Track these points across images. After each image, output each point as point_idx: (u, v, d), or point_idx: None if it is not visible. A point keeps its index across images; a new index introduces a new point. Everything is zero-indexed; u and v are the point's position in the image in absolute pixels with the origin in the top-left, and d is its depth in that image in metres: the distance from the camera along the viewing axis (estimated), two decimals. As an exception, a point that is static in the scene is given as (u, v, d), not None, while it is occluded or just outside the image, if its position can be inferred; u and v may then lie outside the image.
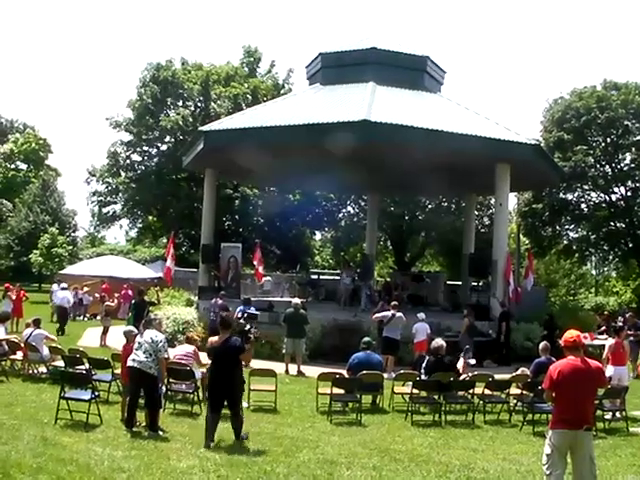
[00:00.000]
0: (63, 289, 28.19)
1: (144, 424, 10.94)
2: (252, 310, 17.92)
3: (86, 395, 11.32)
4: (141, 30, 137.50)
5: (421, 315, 18.63)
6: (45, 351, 15.28)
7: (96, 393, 11.53)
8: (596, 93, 45.00)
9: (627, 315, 23.09)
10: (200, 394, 12.91)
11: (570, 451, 7.45)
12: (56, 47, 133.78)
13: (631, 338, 21.18)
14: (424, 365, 13.95)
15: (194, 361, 13.59)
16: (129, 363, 10.84)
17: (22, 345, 15.48)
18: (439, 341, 14.27)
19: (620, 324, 23.10)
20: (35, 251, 47.32)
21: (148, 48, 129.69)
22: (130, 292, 28.22)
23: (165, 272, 27.23)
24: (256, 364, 16.62)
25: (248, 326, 16.38)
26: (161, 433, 10.64)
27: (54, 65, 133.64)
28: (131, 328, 12.75)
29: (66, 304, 26.77)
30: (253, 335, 16.87)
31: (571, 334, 7.68)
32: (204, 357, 16.90)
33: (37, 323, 15.66)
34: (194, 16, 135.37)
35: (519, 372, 14.53)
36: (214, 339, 10.57)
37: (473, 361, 16.95)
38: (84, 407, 10.97)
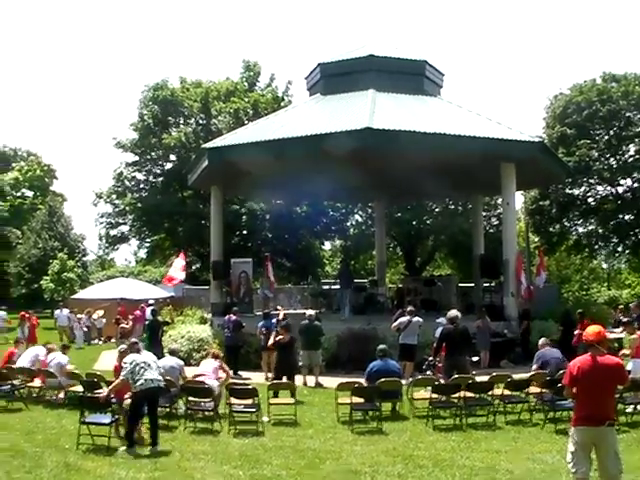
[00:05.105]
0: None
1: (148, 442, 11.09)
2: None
3: (106, 419, 11.34)
4: (141, 49, 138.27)
5: (441, 320, 18.48)
6: (63, 377, 15.30)
7: (116, 416, 11.55)
8: (596, 86, 44.91)
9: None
10: (220, 410, 12.89)
11: (594, 447, 7.43)
12: (55, 74, 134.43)
13: None
14: (441, 334, 15.07)
15: (222, 372, 13.94)
16: (150, 384, 10.88)
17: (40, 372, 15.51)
18: (454, 312, 15.27)
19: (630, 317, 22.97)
20: (46, 277, 47.38)
21: (149, 67, 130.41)
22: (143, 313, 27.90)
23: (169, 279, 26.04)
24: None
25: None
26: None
27: (54, 91, 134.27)
28: (123, 345, 12.99)
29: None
30: None
31: (592, 330, 7.64)
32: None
33: (64, 349, 15.78)
34: (193, 33, 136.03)
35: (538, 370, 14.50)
36: (281, 337, 16.22)
37: (475, 358, 17.54)
38: (105, 431, 11.00)
